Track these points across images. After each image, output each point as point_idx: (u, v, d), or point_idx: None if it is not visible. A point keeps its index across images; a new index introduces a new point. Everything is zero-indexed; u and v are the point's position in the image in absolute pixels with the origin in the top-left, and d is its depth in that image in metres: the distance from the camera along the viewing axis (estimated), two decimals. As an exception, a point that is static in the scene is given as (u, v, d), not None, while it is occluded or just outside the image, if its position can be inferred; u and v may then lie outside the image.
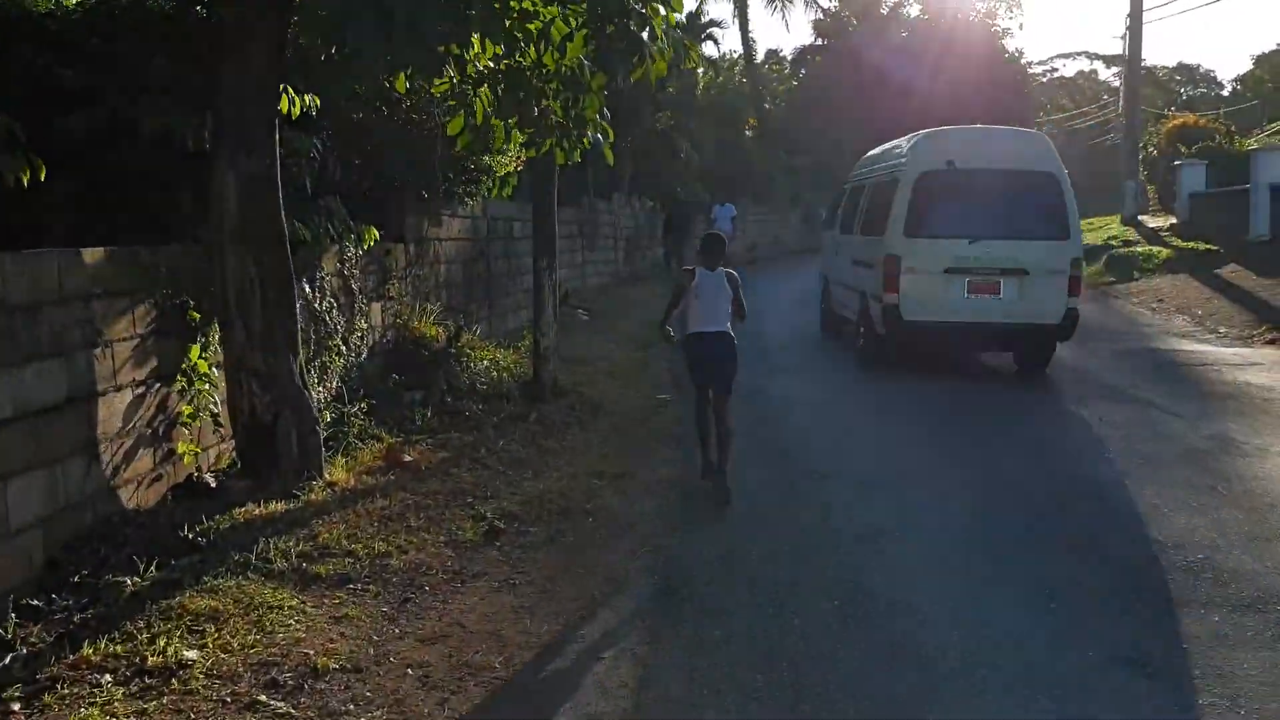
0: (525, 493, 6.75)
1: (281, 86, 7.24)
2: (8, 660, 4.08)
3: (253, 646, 4.31)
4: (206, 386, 6.44)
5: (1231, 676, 4.20)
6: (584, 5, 6.21)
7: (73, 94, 6.65)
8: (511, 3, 5.98)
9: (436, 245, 11.39)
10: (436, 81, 6.76)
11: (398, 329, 9.90)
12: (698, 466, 7.15)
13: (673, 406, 9.65)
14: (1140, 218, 28.31)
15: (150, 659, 4.09)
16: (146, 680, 3.98)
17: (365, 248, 8.78)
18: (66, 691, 3.86)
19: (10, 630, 4.30)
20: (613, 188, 24.55)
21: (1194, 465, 7.53)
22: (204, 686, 3.95)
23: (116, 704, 3.80)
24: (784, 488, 7.09)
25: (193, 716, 3.76)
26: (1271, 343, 13.39)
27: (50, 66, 6.69)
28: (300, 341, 6.73)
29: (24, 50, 6.78)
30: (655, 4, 6.24)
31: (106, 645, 4.18)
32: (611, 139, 6.78)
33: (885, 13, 53.14)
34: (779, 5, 45.69)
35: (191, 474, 6.41)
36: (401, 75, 6.01)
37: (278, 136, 6.52)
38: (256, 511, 5.88)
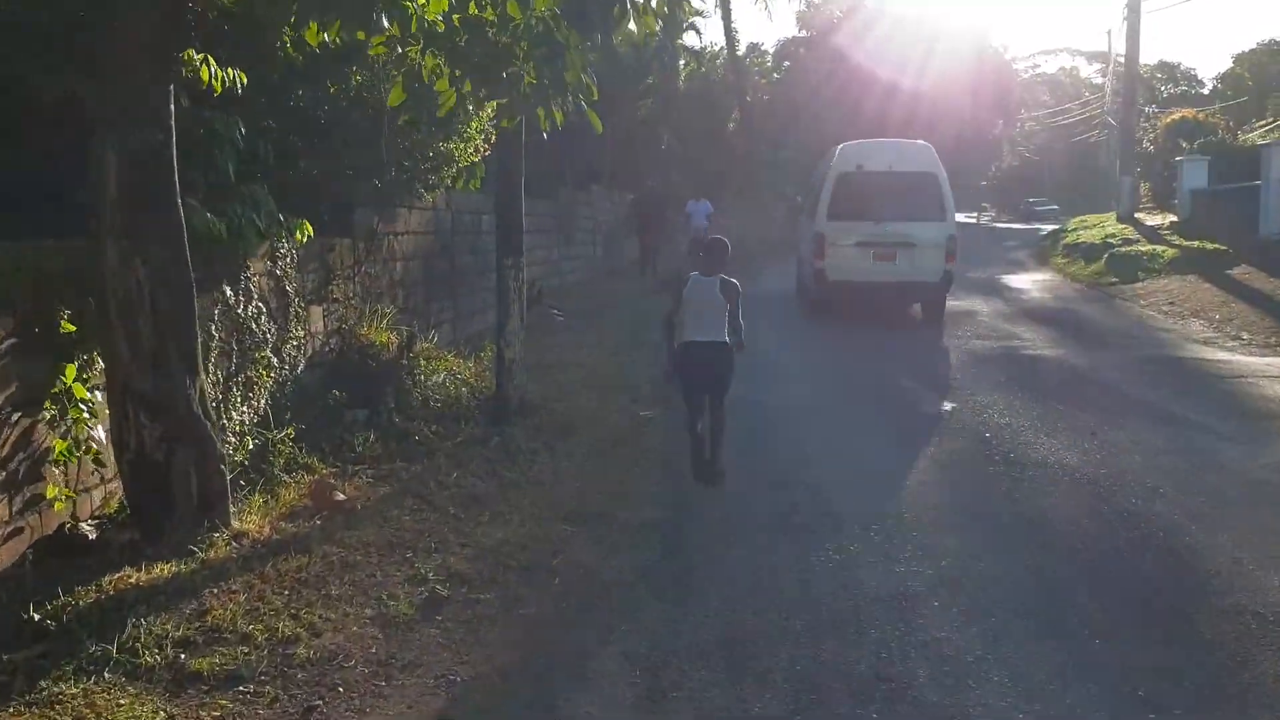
0: (478, 543, 5.58)
1: (201, 57, 6.10)
2: None
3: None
4: (85, 415, 5.22)
5: None
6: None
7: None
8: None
9: (392, 240, 10.17)
10: (375, 41, 5.54)
11: (343, 336, 8.68)
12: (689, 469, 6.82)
13: (657, 424, 8.50)
14: (1136, 215, 27.40)
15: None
16: None
17: (302, 244, 7.56)
18: None
19: None
20: (591, 178, 23.34)
21: (1267, 504, 6.44)
22: None
23: None
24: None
25: None
26: (1301, 351, 12.38)
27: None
28: (202, 359, 5.52)
29: None
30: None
31: None
32: (595, 97, 5.59)
33: (871, 4, 52.27)
34: (763, -6, 44.49)
35: (65, 524, 5.20)
36: (314, 26, 4.81)
37: (174, 110, 5.30)
38: (134, 578, 4.67)
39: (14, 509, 4.87)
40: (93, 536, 5.18)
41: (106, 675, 3.84)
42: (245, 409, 7.07)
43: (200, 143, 6.88)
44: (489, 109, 5.32)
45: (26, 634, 4.10)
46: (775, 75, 51.34)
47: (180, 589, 4.61)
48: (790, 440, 8.11)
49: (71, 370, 5.17)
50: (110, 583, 4.58)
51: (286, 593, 4.72)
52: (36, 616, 4.20)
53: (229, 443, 6.55)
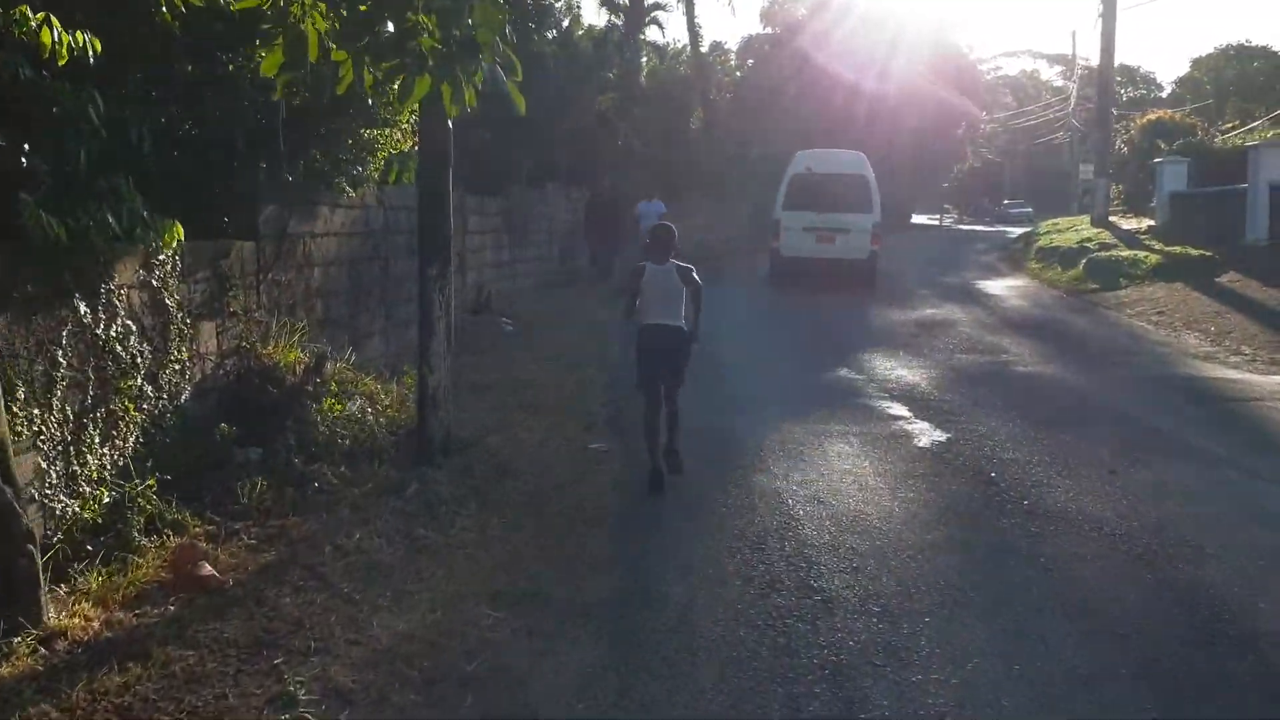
0: (373, 639, 4.32)
1: (41, 17, 4.84)
2: None
3: None
4: None
5: None
6: None
7: None
8: None
9: (308, 242, 8.87)
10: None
11: (242, 357, 7.37)
12: (646, 472, 6.62)
13: (611, 461, 7.27)
14: (1110, 218, 26.59)
15: None
16: None
17: (172, 248, 6.25)
18: None
19: None
20: (547, 175, 22.06)
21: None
22: None
23: None
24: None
25: None
26: (1311, 369, 11.42)
27: None
28: (38, 394, 4.23)
29: None
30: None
31: None
32: (519, 76, 4.37)
33: (836, 2, 51.42)
34: (728, -12, 43.37)
35: None
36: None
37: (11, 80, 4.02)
38: (-126, 718, 3.39)
39: None
40: None
41: None
42: (106, 451, 5.77)
43: (46, 123, 5.61)
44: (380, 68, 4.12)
45: None
46: (739, 74, 50.30)
47: (-62, 733, 3.34)
48: (767, 492, 6.92)
49: None
50: None
51: (92, 734, 3.45)
52: None
53: (72, 500, 5.26)
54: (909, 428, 8.47)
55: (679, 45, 45.03)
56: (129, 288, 6.12)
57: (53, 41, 4.89)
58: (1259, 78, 78.92)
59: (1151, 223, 24.12)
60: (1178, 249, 19.69)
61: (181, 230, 5.93)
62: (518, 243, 17.77)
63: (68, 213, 5.38)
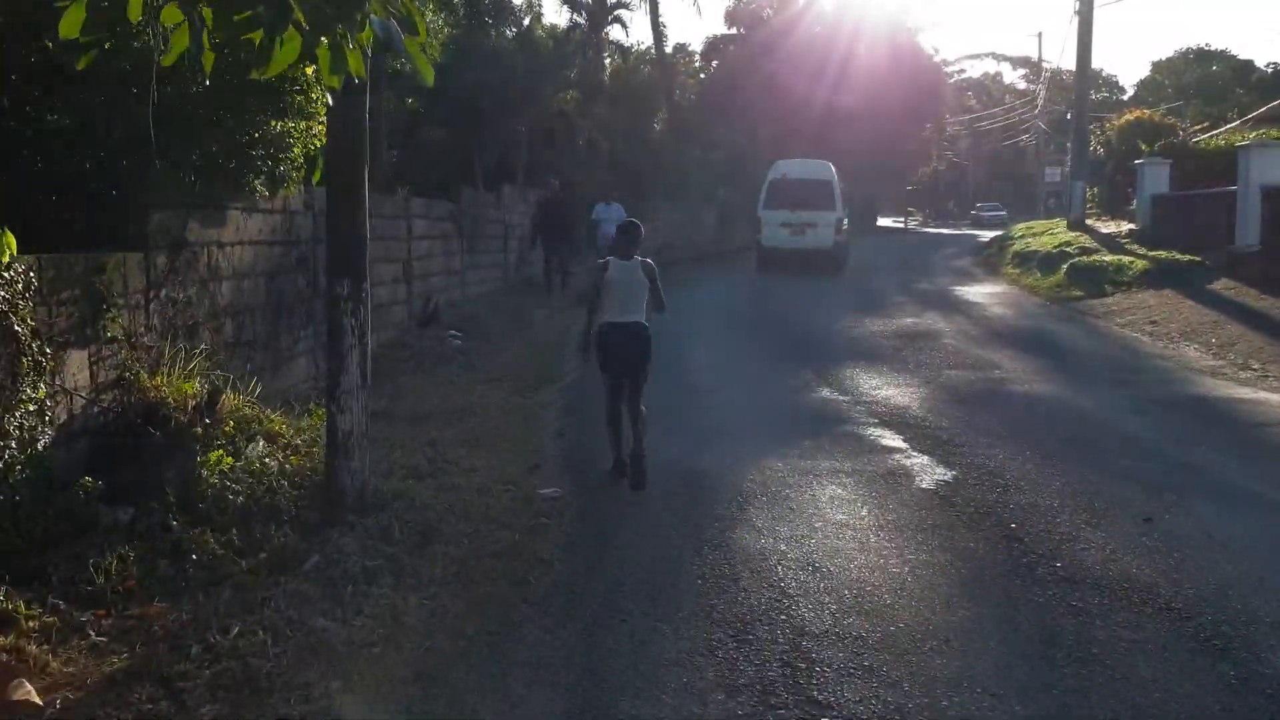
0: (229, 805, 3.17)
1: None
2: None
3: None
4: None
5: None
6: None
7: None
8: None
9: (214, 253, 7.67)
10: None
11: (123, 390, 6.17)
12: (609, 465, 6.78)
13: (563, 513, 6.13)
14: (1086, 222, 25.83)
15: None
16: None
17: (29, 265, 5.06)
18: None
19: None
20: (504, 177, 20.90)
21: None
22: None
23: None
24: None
25: None
26: (1329, 386, 10.52)
27: None
28: None
29: None
30: None
31: None
32: (424, 37, 3.23)
33: (801, 2, 50.66)
34: (693, -13, 42.40)
35: None
36: None
37: None
38: None
39: None
40: None
41: None
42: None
43: None
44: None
45: None
46: (703, 75, 49.35)
47: None
48: (750, 554, 5.82)
49: None
50: None
51: None
52: None
53: None
54: (907, 463, 7.40)
55: (643, 47, 44.03)
56: (-37, 312, 4.93)
57: None
58: (1219, 80, 79.56)
59: (1132, 226, 23.35)
60: (1163, 254, 18.87)
61: (14, 241, 4.72)
62: (470, 249, 16.57)
63: None
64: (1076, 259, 20.45)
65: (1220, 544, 5.78)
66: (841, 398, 9.85)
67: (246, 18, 2.88)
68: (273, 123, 6.85)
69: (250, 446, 6.00)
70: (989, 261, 27.44)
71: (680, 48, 51.94)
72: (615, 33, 40.34)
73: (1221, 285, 16.30)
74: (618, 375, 6.86)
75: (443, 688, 3.95)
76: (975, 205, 68.35)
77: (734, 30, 50.34)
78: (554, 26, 32.55)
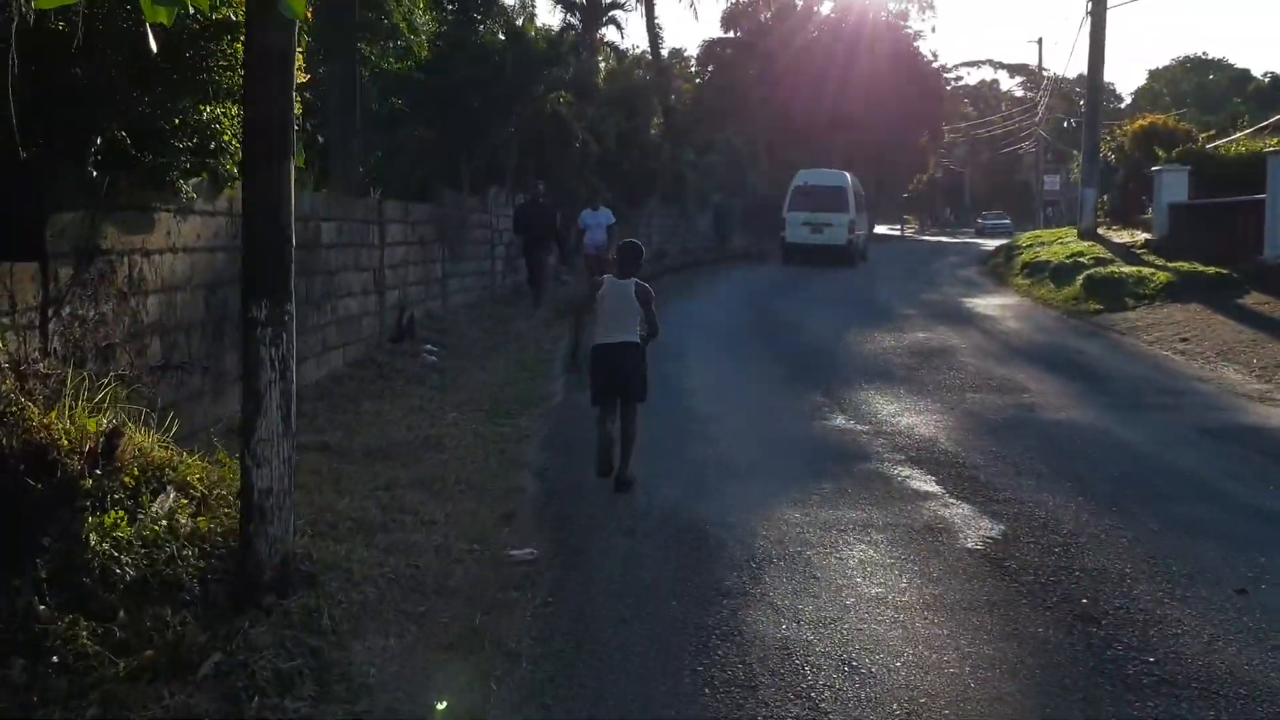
0: None
1: None
2: None
3: None
4: None
5: None
6: None
7: None
8: None
9: (138, 262, 6.57)
10: None
11: (4, 430, 5.07)
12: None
13: (537, 584, 5.04)
14: (1098, 231, 24.84)
15: None
16: None
17: None
18: None
19: None
20: (493, 180, 19.80)
21: None
22: None
23: None
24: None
25: None
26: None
27: None
28: None
29: None
30: None
31: None
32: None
33: (799, 6, 49.77)
34: (690, -11, 41.52)
35: None
36: None
37: None
38: None
39: None
40: None
41: None
42: None
43: None
44: None
45: None
46: (699, 80, 48.33)
47: None
48: (769, 645, 4.75)
49: None
50: None
51: None
52: None
53: None
54: (945, 513, 6.33)
55: (638, 50, 43.00)
56: None
57: None
58: (1216, 89, 79.05)
59: (1147, 236, 22.36)
60: (1185, 266, 17.88)
61: None
62: (454, 255, 15.49)
63: None
64: (1092, 270, 19.41)
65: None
66: (859, 427, 8.79)
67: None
68: (202, 109, 5.76)
69: (156, 501, 4.89)
70: (996, 271, 26.44)
71: (676, 53, 50.98)
72: (610, 35, 39.40)
73: (1253, 300, 15.30)
74: (609, 399, 6.76)
75: None
76: (981, 214, 67.19)
77: (731, 34, 49.41)
78: (547, 28, 31.55)
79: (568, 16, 35.56)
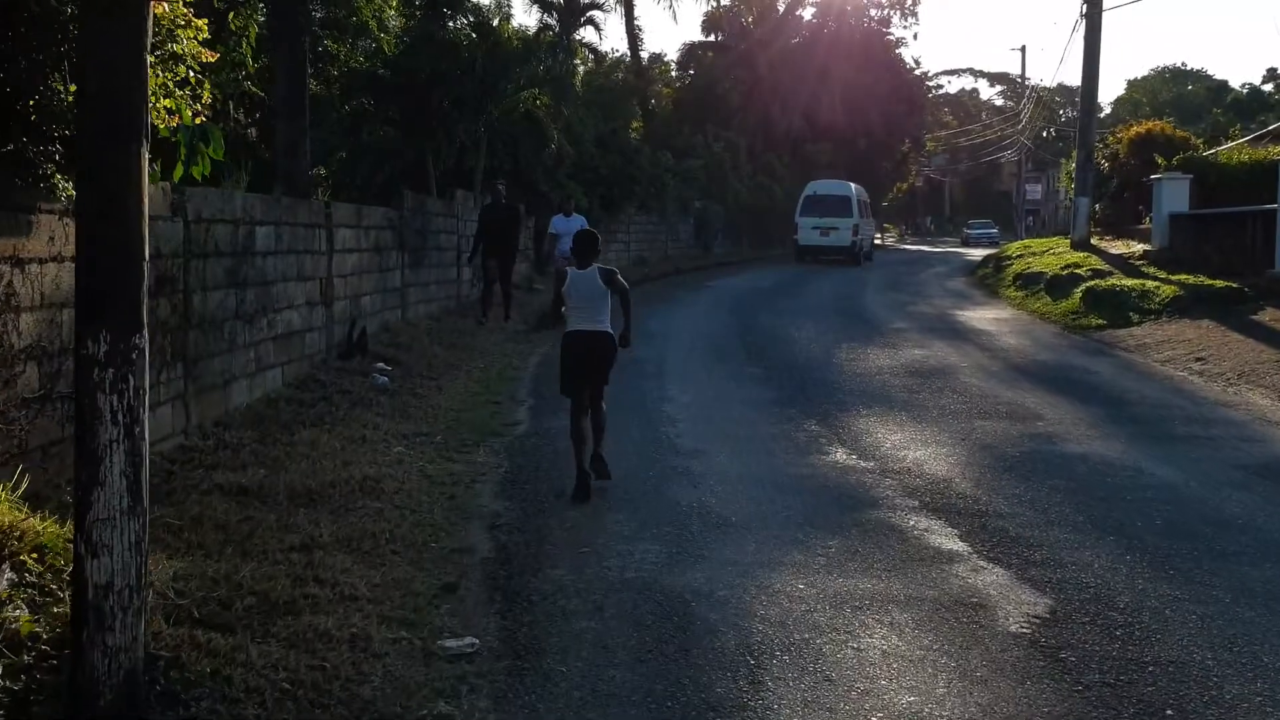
0: None
1: None
2: None
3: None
4: None
5: None
6: None
7: None
8: None
9: (9, 274, 5.45)
10: None
11: None
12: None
13: (476, 690, 3.95)
14: (1091, 241, 23.99)
15: None
16: None
17: None
18: None
19: None
20: (462, 183, 18.70)
21: None
22: None
23: None
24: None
25: None
26: None
27: None
28: None
29: None
30: None
31: None
32: None
33: (781, 10, 48.93)
34: (670, -5, 40.54)
35: None
36: None
37: None
38: None
39: None
40: None
41: None
42: None
43: None
44: None
45: None
46: (679, 84, 47.31)
47: None
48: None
49: None
50: None
51: None
52: None
53: None
54: (977, 581, 5.29)
55: (617, 54, 41.98)
56: None
57: None
58: (1195, 99, 78.97)
59: (1145, 247, 21.50)
60: (1189, 278, 17.01)
61: None
62: (416, 263, 14.37)
63: None
64: (1091, 283, 18.50)
65: None
66: (863, 463, 7.75)
67: None
68: (57, 85, 4.65)
69: (-18, 587, 3.78)
70: (984, 282, 25.55)
71: (656, 58, 49.91)
72: (589, 36, 38.35)
73: (1269, 316, 14.39)
74: (580, 389, 6.83)
75: None
76: (968, 223, 66.52)
77: (712, 38, 48.49)
78: (523, 28, 30.50)
79: (544, 16, 34.55)
